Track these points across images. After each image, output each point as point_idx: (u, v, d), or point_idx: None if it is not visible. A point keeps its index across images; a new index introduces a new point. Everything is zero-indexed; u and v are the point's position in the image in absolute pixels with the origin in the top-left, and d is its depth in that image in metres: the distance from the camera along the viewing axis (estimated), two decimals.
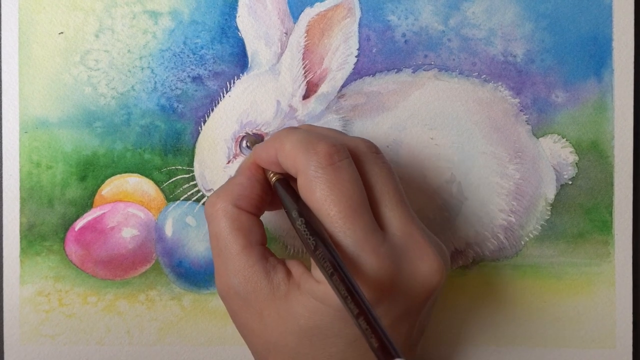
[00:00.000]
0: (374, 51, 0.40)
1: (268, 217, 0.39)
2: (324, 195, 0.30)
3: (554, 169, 0.40)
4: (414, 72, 0.40)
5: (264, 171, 0.33)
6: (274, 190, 0.33)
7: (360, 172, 0.31)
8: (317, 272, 0.30)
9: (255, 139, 0.38)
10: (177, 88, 0.39)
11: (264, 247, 0.33)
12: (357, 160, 0.32)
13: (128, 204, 0.40)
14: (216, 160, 0.39)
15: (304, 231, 0.29)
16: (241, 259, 0.31)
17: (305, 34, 0.39)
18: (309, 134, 0.31)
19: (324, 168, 0.30)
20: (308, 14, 0.39)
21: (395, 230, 0.31)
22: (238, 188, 0.32)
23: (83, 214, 0.39)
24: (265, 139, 0.39)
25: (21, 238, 0.39)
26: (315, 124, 0.39)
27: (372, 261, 0.30)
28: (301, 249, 0.40)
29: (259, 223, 0.33)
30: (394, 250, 0.30)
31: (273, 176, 0.33)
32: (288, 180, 0.32)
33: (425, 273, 0.31)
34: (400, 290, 0.30)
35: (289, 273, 0.32)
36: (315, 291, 0.30)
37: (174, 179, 0.39)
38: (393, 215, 0.31)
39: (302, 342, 0.31)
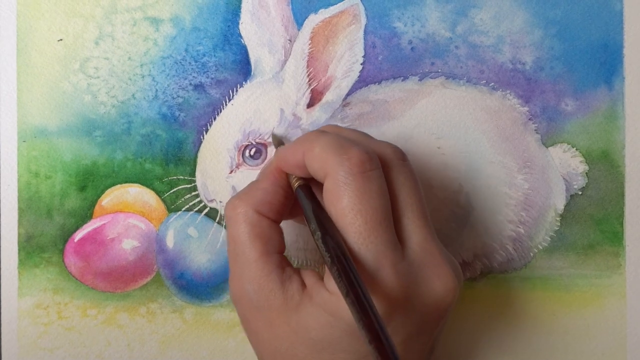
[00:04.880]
0: (379, 58, 0.39)
1: None
2: (351, 204, 0.29)
3: (564, 179, 0.39)
4: (420, 80, 0.39)
5: (287, 176, 0.33)
6: (295, 195, 0.32)
7: (386, 180, 0.31)
8: (330, 283, 0.30)
9: (280, 141, 0.37)
10: (178, 96, 0.39)
11: (282, 256, 0.32)
12: (383, 167, 0.31)
13: (128, 214, 0.39)
14: (218, 170, 0.38)
15: (323, 244, 0.29)
16: (258, 266, 0.31)
17: (310, 41, 0.38)
18: (340, 138, 0.31)
19: (354, 175, 0.29)
20: (312, 21, 0.38)
21: (414, 244, 0.31)
22: (261, 193, 0.32)
23: (82, 225, 0.39)
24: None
25: (19, 249, 0.39)
26: None
27: (390, 277, 0.29)
28: (306, 261, 0.39)
29: (279, 230, 0.32)
30: (411, 267, 0.30)
31: (296, 181, 0.32)
32: (310, 187, 0.32)
33: (440, 291, 0.30)
34: (414, 308, 0.30)
35: (303, 284, 0.31)
36: (327, 303, 0.30)
37: (175, 189, 0.39)
38: (413, 229, 0.31)
39: (312, 354, 0.30)
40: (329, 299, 0.29)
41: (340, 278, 0.27)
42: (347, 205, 0.29)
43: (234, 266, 0.32)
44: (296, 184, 0.32)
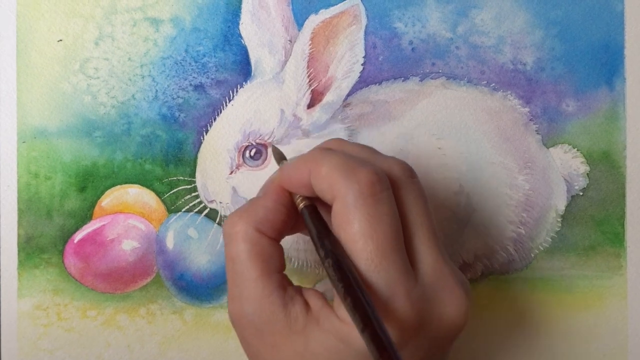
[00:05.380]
0: (380, 59, 0.39)
1: None
2: (362, 229, 0.28)
3: (565, 179, 0.39)
4: (421, 81, 0.39)
5: (291, 194, 0.31)
6: (301, 215, 0.31)
7: (395, 199, 0.30)
8: (340, 310, 0.29)
9: (281, 155, 0.36)
10: (178, 97, 0.39)
11: (283, 275, 0.31)
12: (392, 186, 0.30)
13: (128, 215, 0.39)
14: (218, 171, 0.38)
15: (333, 273, 0.27)
16: (257, 286, 0.30)
17: (310, 42, 0.38)
18: (348, 157, 0.30)
19: (365, 198, 0.28)
20: (313, 21, 0.38)
21: (427, 267, 0.30)
22: (262, 211, 0.30)
23: (82, 226, 0.39)
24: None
25: (19, 250, 0.38)
26: (320, 134, 0.38)
27: (404, 304, 0.28)
28: (306, 262, 0.39)
29: (280, 249, 0.31)
30: (425, 293, 0.29)
31: (301, 201, 0.31)
32: (316, 207, 0.31)
33: (452, 315, 0.29)
34: (427, 332, 0.29)
35: (307, 305, 0.30)
36: (337, 330, 0.28)
37: (175, 190, 0.39)
38: (425, 250, 0.30)
39: None
40: (339, 327, 0.28)
41: (354, 311, 0.26)
42: (358, 230, 0.28)
43: (233, 286, 0.30)
44: (302, 204, 0.31)
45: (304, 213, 0.30)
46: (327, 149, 0.31)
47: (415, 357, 0.29)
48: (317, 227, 0.29)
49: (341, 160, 0.29)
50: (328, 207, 0.30)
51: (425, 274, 0.29)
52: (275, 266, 0.30)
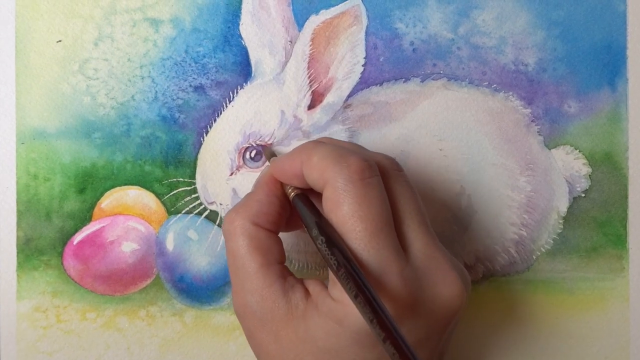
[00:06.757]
0: (381, 60, 0.39)
1: None
2: (351, 210, 0.29)
3: (567, 181, 0.39)
4: (422, 82, 0.39)
5: (282, 186, 0.33)
6: (292, 205, 0.32)
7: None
8: (334, 291, 0.29)
9: (272, 152, 0.37)
10: (178, 98, 0.38)
11: (283, 266, 0.32)
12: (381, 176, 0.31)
13: (128, 217, 0.39)
14: (219, 172, 0.38)
15: (326, 249, 0.28)
16: (258, 277, 0.31)
17: (311, 42, 0.38)
18: (339, 147, 0.31)
19: (354, 182, 0.29)
20: (313, 22, 0.38)
21: (417, 251, 0.30)
22: (256, 205, 0.32)
23: (82, 228, 0.38)
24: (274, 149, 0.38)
25: (18, 252, 0.38)
26: (321, 135, 0.38)
27: (396, 283, 0.29)
28: (307, 264, 0.39)
29: (278, 241, 0.32)
30: (416, 273, 0.30)
31: (292, 191, 0.32)
32: (307, 195, 0.32)
33: (446, 297, 0.30)
34: (421, 314, 0.30)
35: (307, 292, 0.31)
36: (332, 311, 0.29)
37: (175, 191, 0.38)
38: (415, 236, 0.31)
39: None
40: (334, 307, 0.29)
41: (347, 281, 0.27)
42: (347, 212, 0.29)
43: (235, 280, 0.32)
44: (292, 194, 0.32)
45: (295, 201, 0.32)
46: (319, 141, 0.32)
47: (411, 338, 0.30)
48: (308, 211, 0.30)
49: (332, 149, 0.30)
50: (320, 200, 0.31)
51: (416, 257, 0.30)
52: (275, 257, 0.31)
